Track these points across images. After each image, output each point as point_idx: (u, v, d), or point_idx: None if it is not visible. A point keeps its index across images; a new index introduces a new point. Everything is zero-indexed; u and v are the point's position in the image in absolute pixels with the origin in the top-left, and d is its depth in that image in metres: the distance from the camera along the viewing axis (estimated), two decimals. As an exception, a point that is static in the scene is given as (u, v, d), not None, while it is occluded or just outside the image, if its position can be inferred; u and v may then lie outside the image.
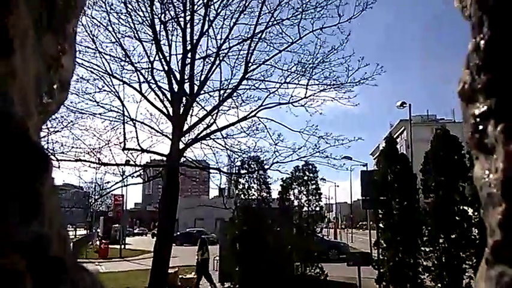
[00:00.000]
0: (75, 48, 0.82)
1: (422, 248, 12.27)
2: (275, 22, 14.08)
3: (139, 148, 15.00)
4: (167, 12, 14.16)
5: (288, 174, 13.81)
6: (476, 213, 12.45)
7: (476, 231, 12.42)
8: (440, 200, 12.43)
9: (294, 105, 15.22)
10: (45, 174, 0.60)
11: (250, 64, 14.47)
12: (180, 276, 17.43)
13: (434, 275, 11.97)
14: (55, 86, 0.73)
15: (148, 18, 13.96)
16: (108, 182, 27.52)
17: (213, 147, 16.11)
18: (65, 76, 0.75)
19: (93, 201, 37.26)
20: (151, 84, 14.89)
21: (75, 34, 0.79)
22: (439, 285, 11.92)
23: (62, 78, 0.74)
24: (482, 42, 0.60)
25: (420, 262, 12.09)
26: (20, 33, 0.60)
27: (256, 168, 13.25)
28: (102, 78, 14.30)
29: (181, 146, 15.13)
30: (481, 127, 0.61)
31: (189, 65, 14.78)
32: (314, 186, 13.29)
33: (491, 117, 0.59)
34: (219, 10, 14.16)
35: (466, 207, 12.48)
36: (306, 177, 13.29)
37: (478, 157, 0.65)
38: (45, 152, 0.62)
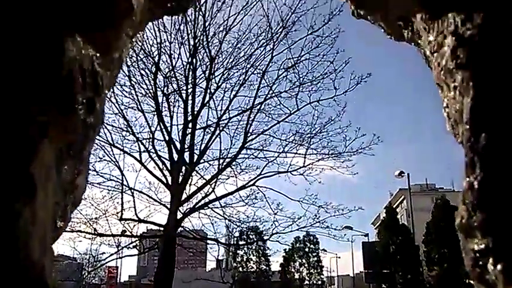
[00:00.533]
0: (89, 165, 0.86)
1: (430, 325, 11.67)
2: (273, 94, 14.60)
3: (137, 218, 14.78)
4: (170, 85, 14.70)
5: (288, 245, 13.52)
6: None
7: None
8: (445, 272, 12.05)
9: (292, 174, 15.28)
10: None
11: (249, 134, 14.76)
12: None
13: None
14: (68, 208, 0.77)
15: (151, 91, 14.43)
16: (103, 253, 26.65)
17: (211, 216, 15.90)
18: (78, 195, 0.79)
19: (86, 273, 35.79)
20: (151, 154, 15.01)
21: (89, 154, 0.85)
22: None
23: (75, 199, 0.79)
24: (475, 182, 0.65)
25: None
26: (43, 173, 0.65)
27: (255, 239, 12.99)
28: (103, 148, 14.44)
29: (179, 215, 14.92)
30: (481, 263, 0.65)
31: (189, 135, 15.06)
32: (316, 259, 12.96)
33: (490, 255, 0.63)
34: (220, 83, 14.74)
35: (472, 281, 12.06)
36: (307, 249, 12.99)
37: (478, 287, 0.68)
38: None
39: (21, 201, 0.61)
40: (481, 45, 0.65)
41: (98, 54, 0.80)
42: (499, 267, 0.59)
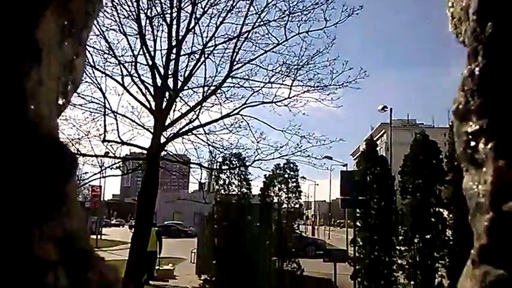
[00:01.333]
0: (85, 50, 0.85)
1: (398, 247, 12.57)
2: (262, 23, 14.10)
3: (120, 140, 14.85)
4: (153, 8, 14.03)
5: (269, 171, 13.92)
6: (451, 216, 12.81)
7: (450, 233, 12.80)
8: (417, 201, 12.73)
9: (277, 105, 15.28)
10: (73, 177, 0.68)
11: (235, 63, 14.46)
12: (157, 267, 17.39)
13: (408, 273, 12.29)
14: (69, 88, 0.77)
15: (134, 13, 13.79)
16: (86, 173, 27.07)
17: (195, 142, 16.06)
18: (77, 77, 0.79)
19: (70, 191, 36.51)
20: (134, 78, 14.71)
21: (87, 36, 0.83)
22: (412, 283, 12.25)
23: (75, 79, 0.78)
24: (477, 69, 0.69)
25: (395, 260, 12.39)
26: (47, 42, 0.66)
27: (238, 165, 13.30)
28: (85, 69, 14.02)
29: (162, 140, 15.03)
30: (472, 144, 0.69)
31: (173, 61, 14.68)
32: (294, 184, 13.44)
33: (483, 135, 0.67)
34: (206, 8, 14.09)
35: (441, 210, 12.83)
36: (286, 175, 13.42)
37: (468, 170, 0.72)
38: (74, 156, 0.69)
39: (28, 62, 0.63)
40: None
41: None
42: (490, 145, 0.65)
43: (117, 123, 14.49)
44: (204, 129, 15.70)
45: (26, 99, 0.61)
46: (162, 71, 14.87)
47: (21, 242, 0.59)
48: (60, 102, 0.75)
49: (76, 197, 0.70)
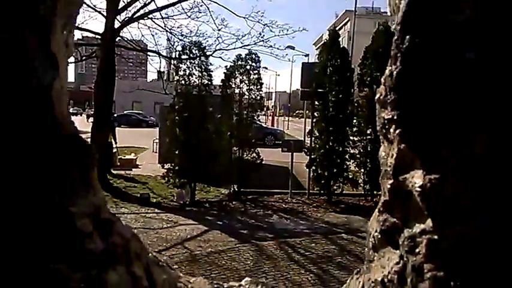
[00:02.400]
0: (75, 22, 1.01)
1: (352, 138, 13.25)
2: None
3: (70, 24, 13.78)
4: None
5: (231, 62, 13.65)
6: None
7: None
8: (373, 94, 13.11)
9: (240, -12, 14.40)
10: (94, 162, 0.92)
11: None
12: (119, 156, 17.67)
13: (359, 161, 13.20)
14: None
15: None
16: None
17: (152, 28, 15.24)
18: (70, 53, 0.94)
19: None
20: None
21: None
22: (362, 170, 13.24)
23: (68, 54, 0.95)
24: (394, 72, 0.90)
25: (348, 150, 13.16)
26: (59, 49, 0.84)
27: (198, 54, 12.88)
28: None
29: (117, 24, 14.12)
30: (387, 127, 0.92)
31: None
32: (256, 76, 13.33)
33: (393, 123, 0.90)
34: None
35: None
36: (248, 67, 13.22)
37: (383, 142, 0.97)
38: (92, 148, 0.90)
39: (50, 75, 0.79)
40: None
41: None
42: (397, 131, 0.89)
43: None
44: (161, 14, 14.82)
45: (52, 105, 0.77)
46: None
47: (65, 219, 0.79)
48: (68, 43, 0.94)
49: (97, 178, 0.91)
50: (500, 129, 0.78)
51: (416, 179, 0.84)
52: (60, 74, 0.78)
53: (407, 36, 0.86)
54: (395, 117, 0.88)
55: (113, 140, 16.39)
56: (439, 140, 0.82)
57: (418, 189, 0.83)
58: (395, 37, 0.90)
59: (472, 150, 0.78)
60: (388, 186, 0.92)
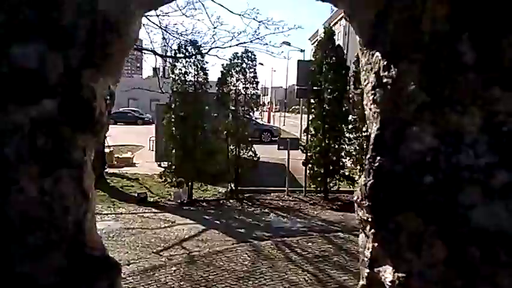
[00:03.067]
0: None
1: (347, 135, 13.31)
2: None
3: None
4: None
5: (226, 60, 13.65)
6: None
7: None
8: (369, 91, 13.19)
9: (235, -16, 14.38)
10: (119, 275, 1.22)
11: None
12: (116, 155, 17.67)
13: (355, 158, 13.27)
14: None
15: None
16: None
17: (146, 25, 15.15)
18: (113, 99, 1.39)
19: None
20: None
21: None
22: (358, 167, 13.31)
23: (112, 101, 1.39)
24: (368, 183, 1.19)
25: (344, 147, 13.23)
26: (100, 105, 1.21)
27: (194, 53, 12.87)
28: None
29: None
30: (363, 224, 1.24)
31: None
32: (252, 75, 13.34)
33: (368, 223, 1.18)
34: None
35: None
36: (244, 65, 13.22)
37: (362, 233, 1.23)
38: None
39: (83, 209, 1.05)
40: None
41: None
42: (371, 231, 1.16)
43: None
44: (155, 11, 14.72)
45: (84, 235, 1.03)
46: None
47: None
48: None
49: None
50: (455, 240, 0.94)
51: (387, 274, 1.00)
52: (91, 206, 0.94)
53: (378, 158, 1.10)
54: (369, 220, 1.07)
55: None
56: (405, 243, 0.97)
57: (389, 283, 1.00)
58: (368, 155, 1.14)
59: (433, 256, 0.94)
60: (366, 274, 1.10)
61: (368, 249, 1.06)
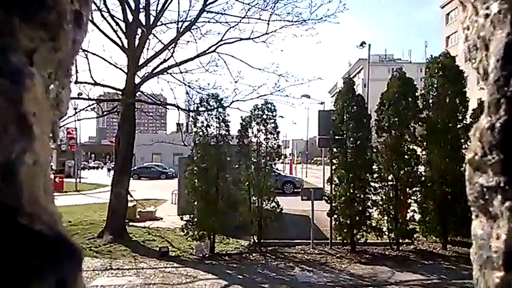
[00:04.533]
0: (71, 77, 0.71)
1: (372, 184, 12.96)
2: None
3: (92, 81, 14.35)
4: None
5: (247, 112, 13.82)
6: (423, 153, 13.18)
7: (423, 169, 13.24)
8: (392, 139, 12.99)
9: (255, 41, 14.90)
10: (78, 271, 0.59)
11: (210, -5, 13.84)
12: (138, 209, 17.64)
13: (382, 208, 12.81)
14: (55, 127, 0.65)
15: None
16: (59, 116, 26.38)
17: (171, 82, 15.70)
18: (63, 110, 0.69)
19: (44, 134, 35.83)
20: (103, 13, 13.93)
21: (72, 66, 0.70)
22: (386, 218, 12.82)
23: (61, 113, 0.68)
24: (498, 124, 0.65)
25: (369, 197, 12.84)
26: (37, 107, 0.58)
27: (215, 106, 13.11)
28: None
29: (137, 80, 14.60)
30: (487, 197, 0.68)
31: (144, -7, 13.89)
32: (273, 125, 13.40)
33: (499, 192, 0.65)
34: None
35: (415, 147, 13.15)
36: (265, 116, 13.33)
37: (478, 216, 0.72)
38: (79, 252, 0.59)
39: (20, 145, 0.53)
40: None
41: None
42: (506, 204, 0.63)
43: (88, 63, 13.95)
44: (179, 68, 15.30)
45: (20, 188, 0.51)
46: (132, 5, 14.10)
47: None
48: (51, 145, 0.63)
49: None
50: None
51: None
52: (35, 145, 0.54)
53: None
54: (501, 185, 0.67)
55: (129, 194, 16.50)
56: None
57: None
58: (494, 78, 0.70)
59: None
60: (497, 280, 0.67)
61: (497, 237, 0.67)
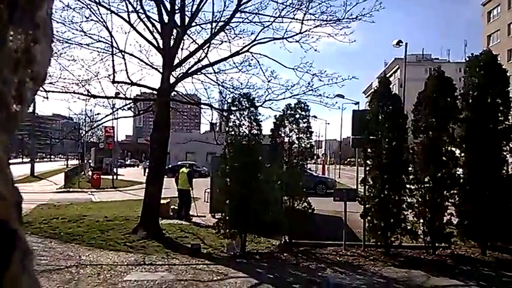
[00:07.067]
0: (52, 31, 0.64)
1: (408, 186, 12.62)
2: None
3: (129, 81, 14.72)
4: None
5: (280, 112, 13.77)
6: (462, 154, 12.70)
7: (461, 171, 12.76)
8: (429, 140, 12.60)
9: (288, 41, 14.82)
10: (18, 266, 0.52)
11: (244, -5, 13.90)
12: (172, 206, 17.94)
13: (417, 211, 12.44)
14: (26, 85, 0.59)
15: None
16: (98, 114, 27.30)
17: (205, 82, 15.87)
18: (39, 69, 0.61)
19: (83, 132, 37.19)
20: (140, 14, 14.28)
21: (49, 16, 0.63)
22: (421, 221, 12.45)
23: (35, 73, 0.60)
24: None
25: (404, 199, 12.50)
26: None
27: (248, 106, 13.14)
28: (89, 6, 13.64)
29: (172, 80, 14.86)
30: None
31: (180, -6, 14.11)
32: (305, 125, 13.29)
33: None
34: None
35: (453, 148, 12.69)
36: (297, 116, 13.24)
37: None
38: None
39: None
40: None
41: None
42: None
43: (125, 63, 14.31)
44: (213, 68, 15.44)
45: None
46: (168, 6, 14.36)
47: None
48: (14, 109, 0.56)
49: None
50: None
51: None
52: None
53: None
54: None
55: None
56: None
57: None
58: None
59: None
60: None
61: None
